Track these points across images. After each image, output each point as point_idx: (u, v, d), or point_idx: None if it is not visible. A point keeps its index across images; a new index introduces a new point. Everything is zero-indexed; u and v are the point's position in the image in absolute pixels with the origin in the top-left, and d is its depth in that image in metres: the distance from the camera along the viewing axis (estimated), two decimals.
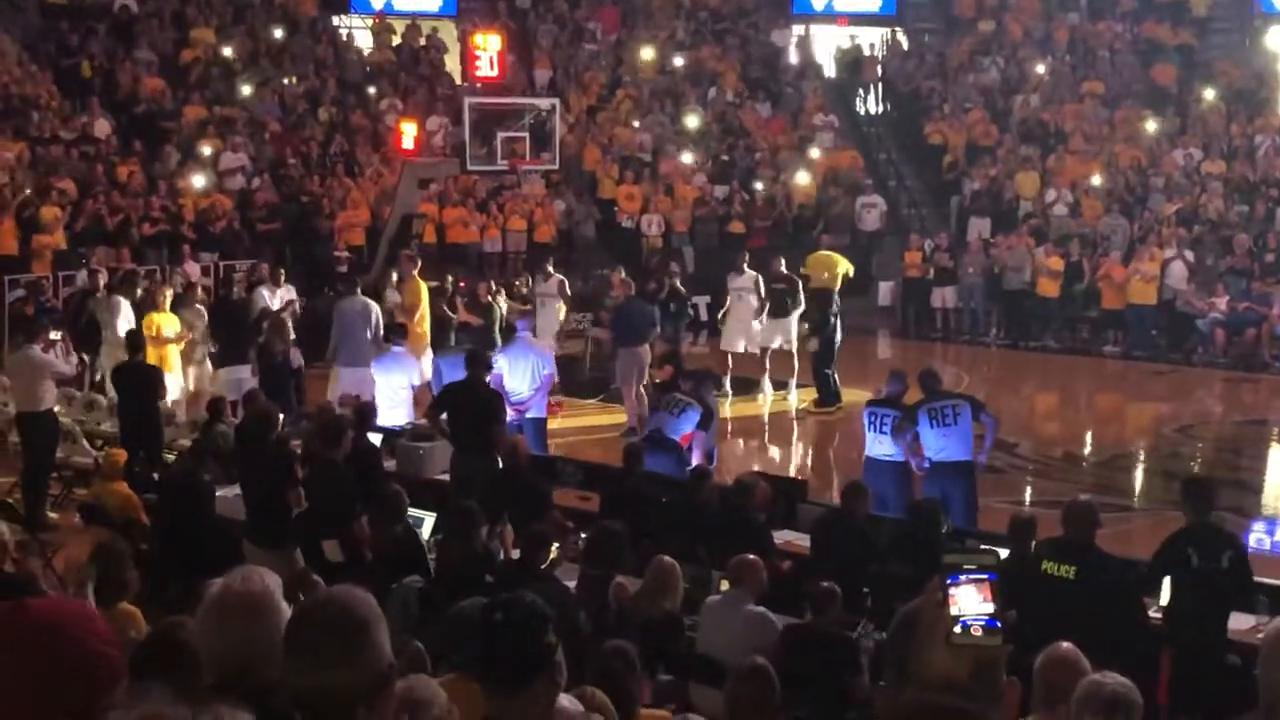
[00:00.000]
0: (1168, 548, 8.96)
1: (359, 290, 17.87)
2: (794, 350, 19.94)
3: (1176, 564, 8.80)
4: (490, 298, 20.01)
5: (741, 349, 19.80)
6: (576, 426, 18.16)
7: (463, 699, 4.39)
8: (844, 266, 20.25)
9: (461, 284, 20.99)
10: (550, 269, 20.69)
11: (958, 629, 2.51)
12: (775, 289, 20.09)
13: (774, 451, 18.35)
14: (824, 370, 19.19)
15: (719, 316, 20.84)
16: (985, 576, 2.56)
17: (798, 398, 19.91)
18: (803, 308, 19.86)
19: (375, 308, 17.16)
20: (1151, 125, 29.78)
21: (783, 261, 20.54)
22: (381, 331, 16.74)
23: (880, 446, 12.85)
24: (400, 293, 18.84)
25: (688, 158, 29.42)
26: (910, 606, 2.96)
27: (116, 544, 7.10)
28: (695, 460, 13.29)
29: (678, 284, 20.67)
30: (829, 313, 19.45)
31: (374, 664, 2.97)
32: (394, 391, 15.36)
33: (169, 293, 18.05)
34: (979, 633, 2.51)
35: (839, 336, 19.49)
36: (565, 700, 3.61)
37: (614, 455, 15.61)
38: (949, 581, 2.55)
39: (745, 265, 20.41)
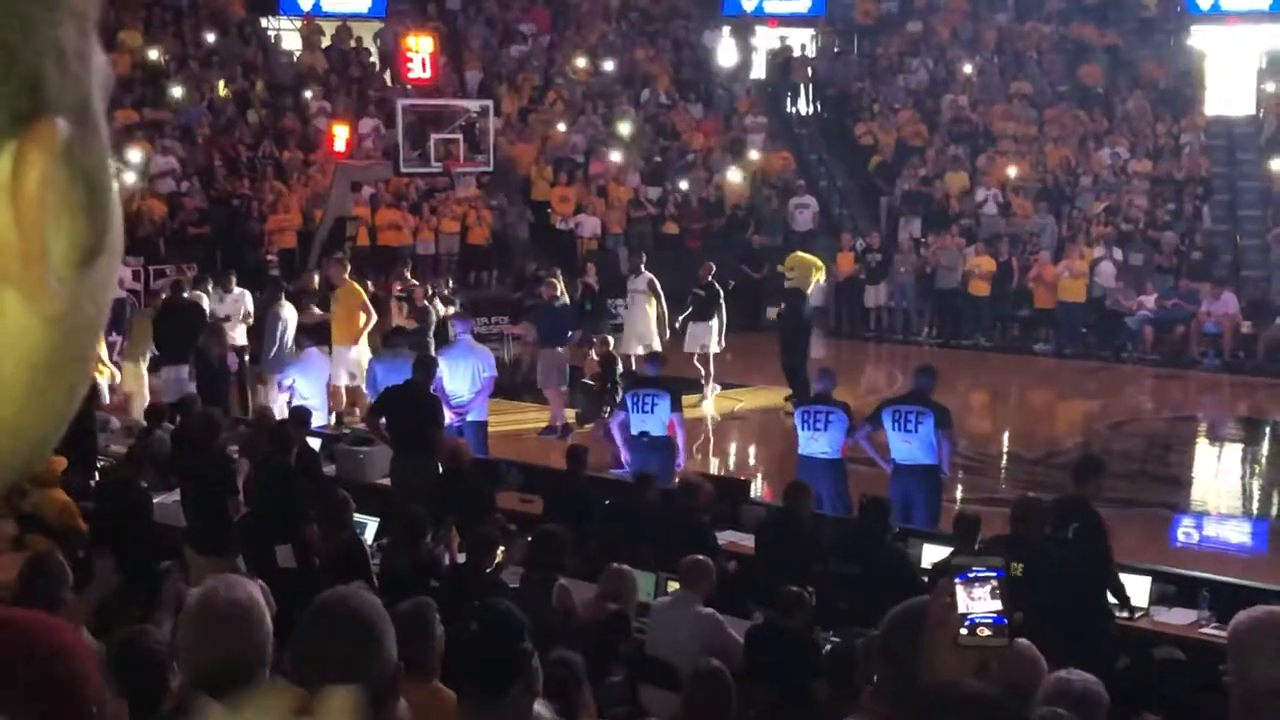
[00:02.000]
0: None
1: (283, 296, 17.81)
2: (709, 356, 19.97)
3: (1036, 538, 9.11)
4: (426, 301, 19.91)
5: (640, 351, 19.60)
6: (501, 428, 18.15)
7: (428, 701, 4.38)
8: (820, 272, 20.41)
9: (398, 287, 20.86)
10: (641, 267, 20.51)
11: (964, 629, 2.52)
12: (696, 294, 20.19)
13: (714, 452, 18.38)
14: (796, 369, 19.17)
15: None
16: (993, 574, 2.57)
17: (714, 403, 19.92)
18: (724, 313, 20.02)
19: (282, 313, 17.15)
20: (1079, 125, 30.07)
21: (713, 268, 20.62)
22: (282, 336, 16.72)
23: (814, 444, 12.90)
24: (335, 299, 18.66)
25: (621, 159, 29.41)
26: (909, 605, 2.97)
27: (52, 561, 6.99)
28: (680, 441, 13.71)
29: (592, 284, 20.72)
30: (803, 312, 19.63)
31: (382, 666, 2.97)
32: (313, 391, 15.30)
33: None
34: (986, 632, 2.52)
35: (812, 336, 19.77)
36: (539, 706, 3.60)
37: (536, 454, 15.73)
38: (957, 580, 2.56)
39: (642, 267, 20.47)
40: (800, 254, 21.32)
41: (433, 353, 15.84)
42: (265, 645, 3.19)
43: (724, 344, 20.25)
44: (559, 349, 18.00)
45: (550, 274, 20.80)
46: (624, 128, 30.49)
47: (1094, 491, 9.61)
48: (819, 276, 20.30)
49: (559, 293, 18.98)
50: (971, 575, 2.56)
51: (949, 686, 2.29)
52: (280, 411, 14.26)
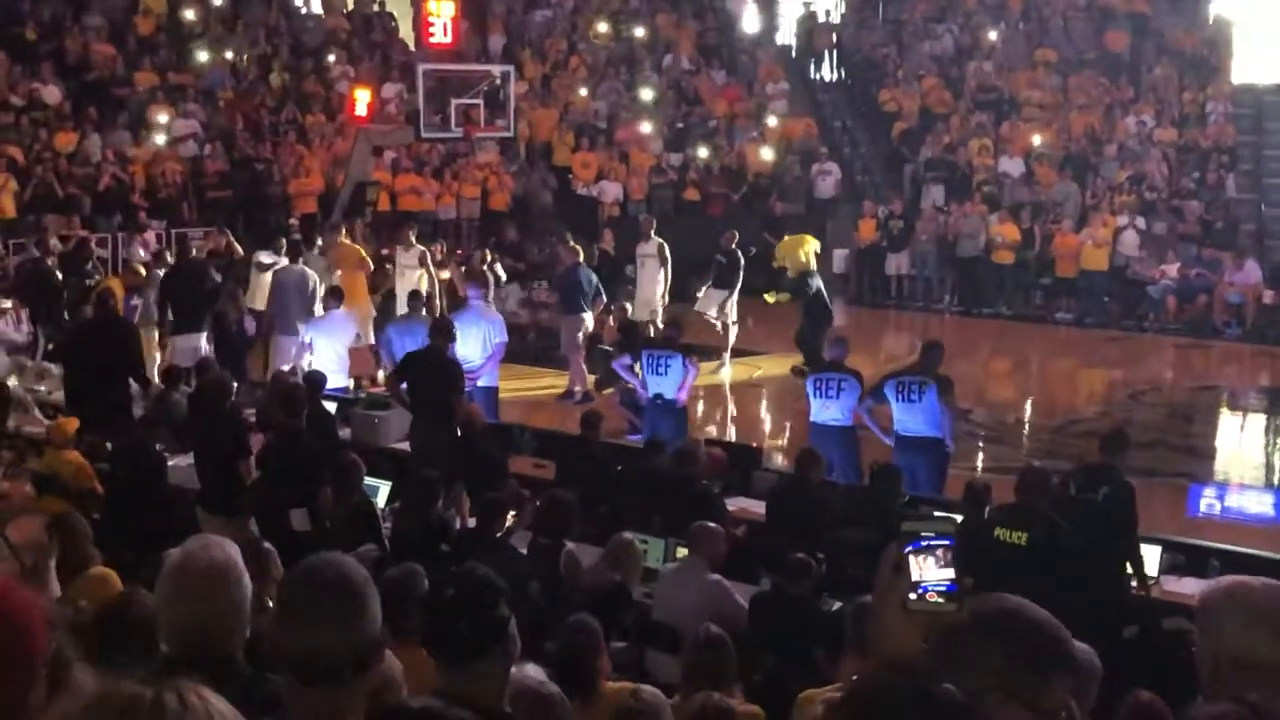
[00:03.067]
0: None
1: (299, 259, 17.81)
2: (727, 324, 19.96)
3: (1064, 499, 9.16)
4: (485, 266, 19.76)
5: (646, 317, 19.54)
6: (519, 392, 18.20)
7: (409, 666, 4.40)
8: (812, 244, 20.36)
9: (459, 251, 20.83)
10: (652, 232, 20.41)
11: (914, 595, 2.53)
12: (719, 261, 20.19)
13: (730, 419, 18.37)
14: (815, 341, 19.13)
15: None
16: (943, 542, 2.58)
17: (730, 370, 19.90)
18: (740, 283, 19.99)
19: (313, 276, 17.12)
20: (1104, 92, 29.88)
21: (735, 236, 20.59)
22: (317, 300, 16.69)
23: (826, 412, 12.87)
24: (336, 262, 18.68)
25: (644, 126, 29.33)
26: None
27: (74, 519, 7.04)
28: (689, 379, 13.95)
29: (609, 250, 20.68)
30: (815, 289, 19.62)
31: (367, 630, 2.98)
32: (335, 353, 15.31)
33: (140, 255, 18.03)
34: (936, 599, 2.53)
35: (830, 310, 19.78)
36: (531, 669, 3.62)
37: (556, 420, 15.77)
38: (908, 549, 2.57)
39: (652, 232, 20.39)
40: (786, 239, 21.27)
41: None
42: (241, 607, 3.20)
43: (733, 313, 20.14)
44: (579, 315, 17.99)
45: (563, 240, 20.82)
46: (646, 94, 30.40)
47: (1119, 464, 9.63)
48: (809, 248, 20.24)
49: (579, 258, 18.97)
50: (923, 543, 2.57)
51: (894, 680, 2.30)
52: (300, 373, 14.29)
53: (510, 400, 16.81)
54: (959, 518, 9.44)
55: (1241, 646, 2.93)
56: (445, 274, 19.96)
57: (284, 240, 18.94)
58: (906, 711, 2.17)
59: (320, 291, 16.91)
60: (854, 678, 2.56)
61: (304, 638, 2.93)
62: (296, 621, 2.96)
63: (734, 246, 20.34)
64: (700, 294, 20.39)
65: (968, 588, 2.58)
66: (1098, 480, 9.37)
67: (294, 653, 2.93)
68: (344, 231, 19.15)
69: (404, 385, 12.77)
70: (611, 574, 8.34)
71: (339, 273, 18.26)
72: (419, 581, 5.10)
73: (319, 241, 19.96)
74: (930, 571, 2.55)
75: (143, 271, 17.69)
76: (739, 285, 20.12)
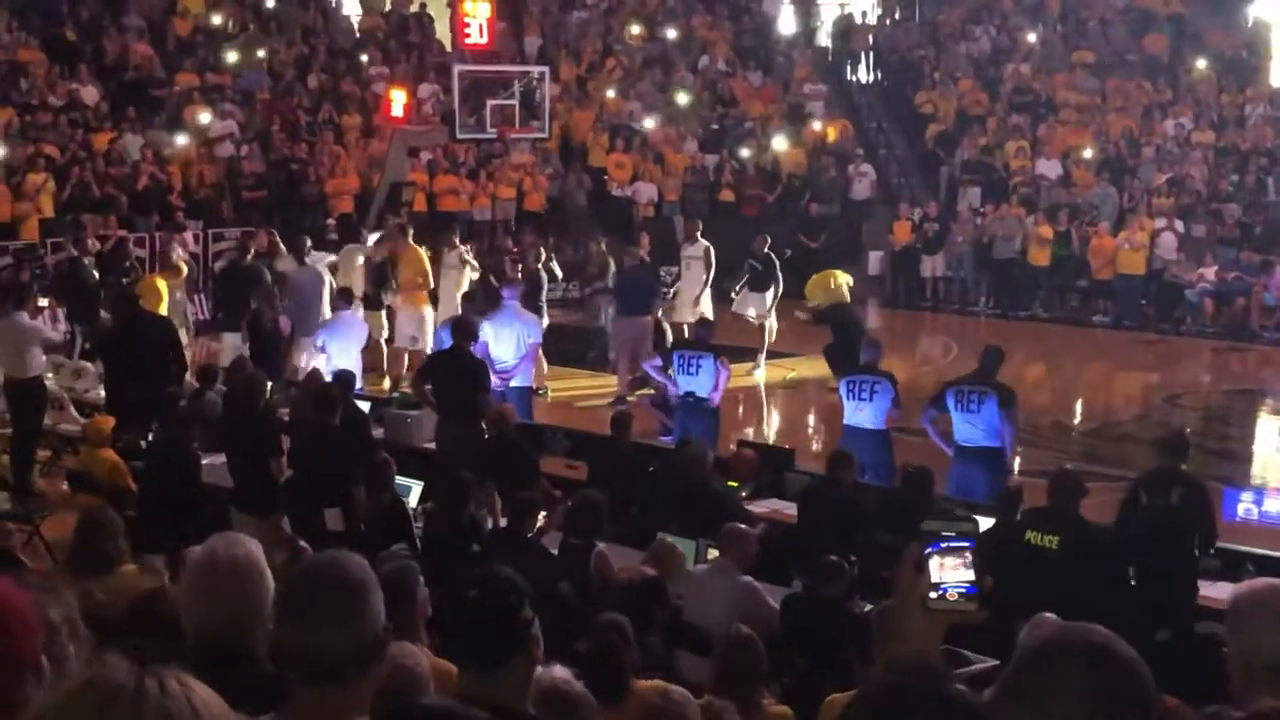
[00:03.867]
0: (1125, 494, 9.27)
1: (316, 260, 17.88)
2: (766, 326, 19.89)
3: (1130, 506, 9.06)
4: (540, 264, 19.66)
5: (690, 319, 19.41)
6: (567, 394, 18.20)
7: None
8: (842, 277, 20.22)
9: (514, 249, 20.78)
10: (698, 235, 20.40)
11: (934, 594, 2.52)
12: (753, 266, 20.10)
13: (763, 420, 18.34)
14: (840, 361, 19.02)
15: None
16: (964, 544, 2.56)
17: (765, 372, 19.83)
18: (781, 286, 19.90)
19: (320, 275, 17.16)
20: (1142, 95, 29.73)
21: (768, 240, 20.48)
22: (324, 299, 16.74)
23: (859, 414, 12.80)
24: (400, 264, 18.69)
25: (679, 127, 29.31)
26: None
27: (101, 515, 7.07)
28: (722, 380, 13.81)
29: (644, 256, 20.59)
30: (851, 326, 19.46)
31: (368, 628, 2.98)
32: (345, 356, 15.30)
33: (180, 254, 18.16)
34: (956, 598, 2.52)
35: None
36: (559, 670, 3.61)
37: (583, 421, 15.77)
38: (928, 550, 2.56)
39: (698, 235, 20.34)
40: (814, 277, 21.08)
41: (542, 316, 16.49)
42: (263, 605, 3.20)
43: (773, 315, 20.07)
44: (638, 318, 17.88)
45: (595, 242, 20.80)
46: (682, 96, 30.38)
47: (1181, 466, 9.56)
48: (841, 281, 20.11)
49: (642, 259, 18.95)
50: (944, 545, 2.55)
51: (905, 680, 2.27)
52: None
53: (542, 400, 16.89)
54: (980, 519, 9.41)
55: (1273, 649, 2.91)
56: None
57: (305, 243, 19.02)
58: (917, 712, 2.15)
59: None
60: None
61: (305, 636, 2.94)
62: (297, 620, 2.97)
63: (767, 250, 20.26)
64: (735, 296, 20.31)
65: (988, 588, 2.57)
66: (1168, 484, 9.28)
67: (296, 651, 2.93)
68: (411, 234, 19.11)
69: (429, 386, 12.85)
70: (645, 569, 8.33)
71: (401, 273, 18.33)
72: (413, 579, 5.07)
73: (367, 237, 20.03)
74: (950, 572, 2.54)
75: (183, 269, 17.81)
76: (779, 289, 20.03)
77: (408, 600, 4.78)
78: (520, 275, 18.12)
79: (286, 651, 2.94)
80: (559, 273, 20.04)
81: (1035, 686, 2.32)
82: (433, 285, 18.63)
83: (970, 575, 2.54)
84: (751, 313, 20.02)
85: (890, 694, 2.21)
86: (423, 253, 18.61)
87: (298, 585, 3.02)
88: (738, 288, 20.27)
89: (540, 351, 15.92)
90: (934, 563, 2.55)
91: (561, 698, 4.28)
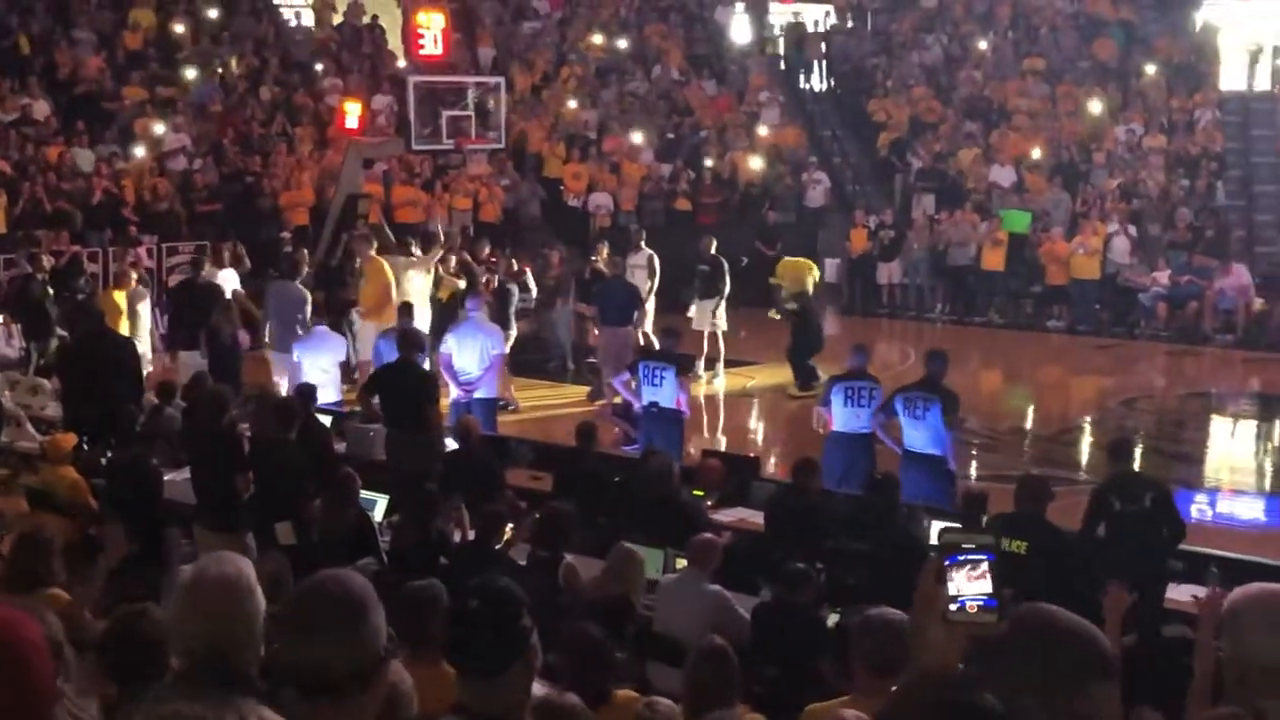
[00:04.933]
0: (1091, 501, 9.31)
1: (296, 276, 17.69)
2: (719, 334, 19.88)
3: (1101, 513, 9.10)
4: (509, 276, 19.50)
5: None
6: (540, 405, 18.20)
7: (432, 679, 4.39)
8: (814, 272, 20.38)
9: (493, 260, 20.66)
10: (642, 244, 20.36)
11: (954, 607, 2.53)
12: (701, 270, 20.09)
13: (726, 430, 18.37)
14: (803, 360, 19.11)
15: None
16: (983, 556, 2.57)
17: (724, 380, 19.83)
18: (727, 289, 19.90)
19: (304, 293, 17.03)
20: (1093, 100, 29.96)
21: (713, 243, 20.51)
22: (309, 316, 16.61)
23: (857, 420, 12.81)
24: (363, 276, 18.61)
25: (634, 136, 29.35)
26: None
27: (37, 534, 7.01)
28: (682, 401, 13.75)
29: (601, 268, 20.58)
30: (812, 315, 19.60)
31: (371, 644, 2.97)
32: (320, 371, 15.24)
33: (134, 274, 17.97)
34: (975, 610, 2.53)
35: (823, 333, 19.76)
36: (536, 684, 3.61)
37: (547, 432, 15.78)
38: (947, 562, 2.56)
39: (642, 243, 20.36)
40: (787, 260, 21.25)
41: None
42: (254, 622, 3.19)
43: (722, 321, 20.02)
44: (621, 328, 17.85)
45: (552, 251, 20.76)
46: (636, 105, 30.40)
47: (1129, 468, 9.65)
48: (813, 276, 20.24)
49: (621, 271, 18.93)
50: (962, 557, 2.56)
51: (937, 690, 2.29)
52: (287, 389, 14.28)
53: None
54: (944, 525, 9.47)
55: (1268, 653, 2.94)
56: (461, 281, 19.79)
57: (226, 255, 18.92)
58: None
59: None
60: (892, 689, 2.55)
61: (306, 652, 2.93)
62: (298, 635, 2.96)
63: (714, 252, 20.26)
64: (693, 310, 20.26)
65: (1007, 601, 2.58)
66: (1140, 489, 9.35)
67: (297, 667, 2.92)
68: (374, 246, 19.01)
69: (377, 398, 12.84)
70: (615, 586, 8.32)
71: (364, 285, 18.23)
72: (439, 596, 5.09)
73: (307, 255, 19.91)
74: (969, 584, 2.55)
75: (134, 282, 17.65)
76: (726, 290, 20.01)
77: (431, 619, 4.78)
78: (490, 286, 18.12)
79: (286, 666, 2.93)
80: (533, 286, 19.89)
81: (990, 670, 2.35)
82: (394, 300, 18.54)
83: (989, 588, 2.55)
84: (706, 326, 19.92)
85: (924, 704, 2.22)
86: (386, 265, 18.55)
87: (300, 600, 3.01)
88: (694, 301, 20.24)
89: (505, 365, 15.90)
90: (952, 574, 2.55)
91: (559, 709, 4.28)
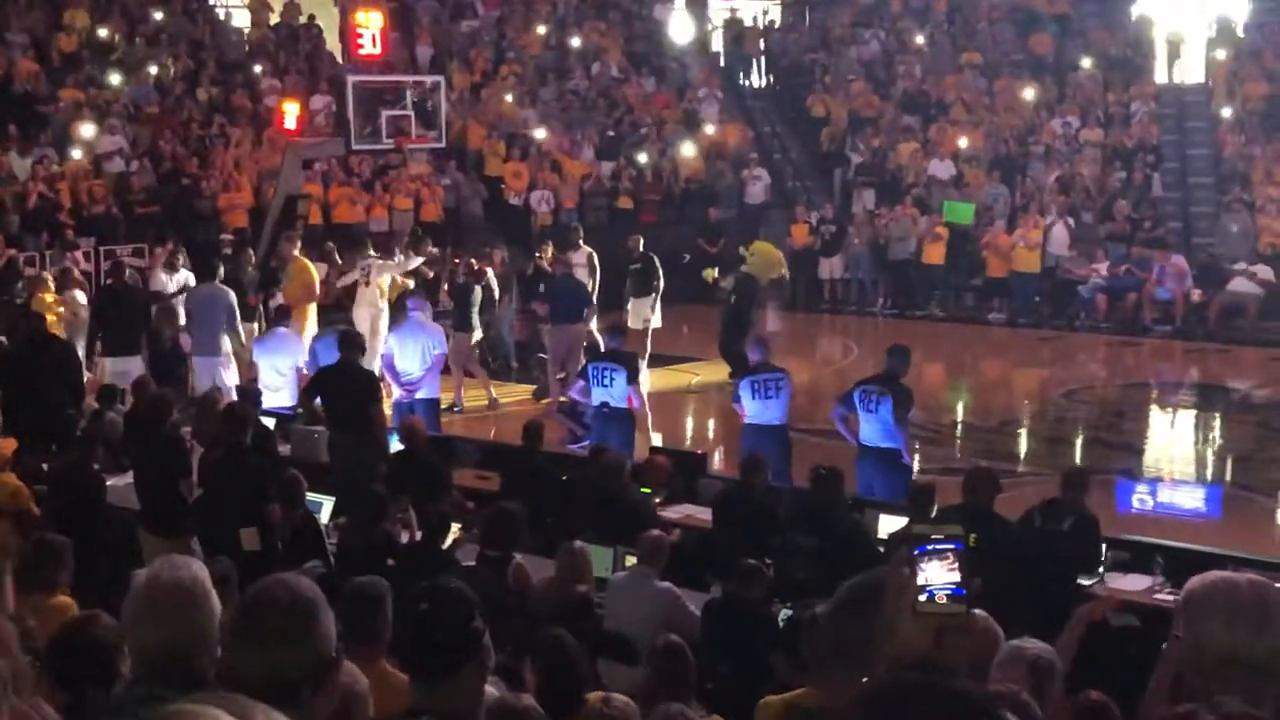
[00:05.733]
0: (1020, 517, 9.45)
1: (215, 277, 17.47)
2: (649, 330, 19.81)
3: (1023, 525, 9.24)
4: (471, 277, 19.37)
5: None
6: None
7: (376, 679, 4.36)
8: (781, 269, 20.43)
9: (457, 261, 20.55)
10: (580, 241, 20.29)
11: (923, 597, 2.54)
12: (633, 269, 20.03)
13: (670, 426, 18.35)
14: (736, 350, 19.11)
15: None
16: (951, 546, 2.59)
17: (649, 378, 19.74)
18: (661, 285, 19.87)
19: (228, 294, 16.60)
20: (1030, 94, 30.18)
21: (641, 241, 20.44)
22: (236, 318, 16.35)
23: (767, 412, 12.97)
24: (287, 277, 18.53)
25: (574, 135, 29.30)
26: (857, 582, 2.97)
27: (55, 540, 7.02)
28: (639, 406, 13.86)
29: (544, 266, 20.52)
30: (752, 299, 19.63)
31: (320, 649, 2.95)
32: (278, 374, 15.13)
33: (50, 282, 17.68)
34: (944, 601, 2.54)
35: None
36: (489, 686, 3.60)
37: (495, 431, 15.75)
38: (916, 552, 2.57)
39: (580, 241, 20.34)
40: (767, 244, 21.30)
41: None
42: (209, 627, 3.16)
43: (656, 318, 19.91)
44: (572, 325, 17.76)
45: (494, 250, 20.69)
46: (576, 102, 30.37)
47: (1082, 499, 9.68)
48: (780, 272, 20.30)
49: (570, 269, 18.86)
50: (930, 547, 2.58)
51: (916, 675, 2.28)
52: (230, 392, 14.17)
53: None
54: (900, 520, 9.50)
55: (1224, 643, 2.96)
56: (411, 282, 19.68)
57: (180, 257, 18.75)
58: (929, 707, 2.15)
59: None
60: (864, 680, 2.55)
61: (257, 658, 2.90)
62: (248, 642, 2.94)
63: (643, 250, 20.21)
64: (628, 308, 20.13)
65: (975, 590, 2.60)
66: (1063, 513, 9.45)
67: (248, 673, 2.90)
68: (299, 246, 18.88)
69: (318, 400, 12.78)
70: (577, 587, 8.30)
71: (286, 286, 18.08)
72: (384, 594, 5.06)
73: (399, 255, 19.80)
74: (938, 575, 2.56)
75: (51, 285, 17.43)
76: (661, 287, 19.98)
77: (377, 615, 4.76)
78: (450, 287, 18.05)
79: (238, 673, 2.90)
80: (495, 284, 19.67)
81: None
82: (316, 298, 18.46)
83: (956, 577, 2.56)
84: (641, 322, 19.83)
85: (900, 690, 2.21)
86: (310, 266, 18.44)
87: (249, 606, 2.99)
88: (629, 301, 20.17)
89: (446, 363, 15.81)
90: (921, 565, 2.57)
91: (513, 713, 4.26)
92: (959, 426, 18.29)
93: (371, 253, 19.32)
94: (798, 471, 12.27)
